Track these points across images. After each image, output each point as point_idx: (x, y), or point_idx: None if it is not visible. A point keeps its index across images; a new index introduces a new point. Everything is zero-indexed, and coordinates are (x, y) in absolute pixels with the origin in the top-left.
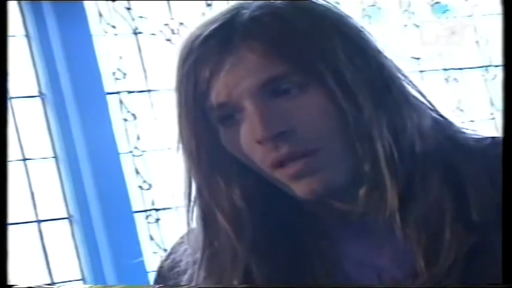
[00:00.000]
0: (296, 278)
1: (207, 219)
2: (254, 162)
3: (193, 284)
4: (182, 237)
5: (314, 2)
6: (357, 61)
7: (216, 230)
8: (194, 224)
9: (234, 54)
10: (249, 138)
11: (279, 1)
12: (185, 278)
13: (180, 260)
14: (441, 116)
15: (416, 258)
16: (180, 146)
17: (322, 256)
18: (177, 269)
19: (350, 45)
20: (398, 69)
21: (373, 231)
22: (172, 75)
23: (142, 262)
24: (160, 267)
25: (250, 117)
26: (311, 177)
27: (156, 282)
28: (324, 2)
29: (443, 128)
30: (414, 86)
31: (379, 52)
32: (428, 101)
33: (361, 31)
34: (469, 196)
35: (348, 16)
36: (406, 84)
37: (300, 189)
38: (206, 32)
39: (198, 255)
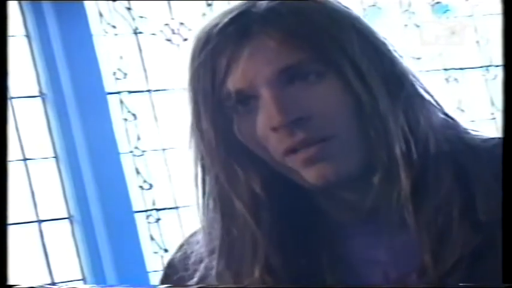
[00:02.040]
0: (306, 270)
1: (224, 207)
2: (266, 150)
3: (213, 271)
4: (194, 232)
5: (329, 1)
6: (371, 56)
7: (234, 218)
8: (208, 214)
9: (252, 41)
10: (264, 125)
11: None
12: (201, 266)
13: (193, 252)
14: (448, 115)
15: (423, 253)
16: (195, 135)
17: (331, 250)
18: (191, 259)
19: (364, 41)
20: (409, 70)
21: (381, 228)
22: (187, 65)
23: (142, 262)
24: (172, 259)
25: (266, 104)
26: (323, 162)
27: (166, 274)
28: (337, 2)
29: (450, 127)
30: (424, 87)
31: (390, 51)
32: (436, 101)
33: (372, 30)
34: (476, 195)
35: (360, 16)
36: (416, 84)
37: (312, 175)
38: (223, 21)
39: (217, 243)
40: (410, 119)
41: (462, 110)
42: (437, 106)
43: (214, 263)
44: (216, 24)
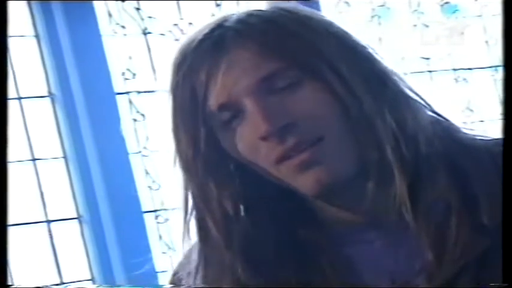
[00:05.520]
0: (300, 283)
1: (201, 229)
2: (257, 161)
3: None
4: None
5: (300, 9)
6: (349, 57)
7: (209, 239)
8: (192, 236)
9: (228, 54)
10: (252, 135)
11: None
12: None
13: (182, 278)
14: (438, 115)
15: (425, 253)
16: (177, 156)
17: (331, 259)
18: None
19: (340, 43)
20: (391, 71)
21: (382, 232)
22: (167, 83)
23: (151, 262)
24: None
25: (252, 115)
26: (317, 167)
27: None
28: (309, 10)
29: (442, 126)
30: (409, 87)
31: (368, 52)
32: (424, 100)
33: (347, 33)
34: (476, 196)
35: (333, 21)
36: (400, 84)
37: (307, 181)
38: (197, 38)
39: (193, 265)
40: (397, 117)
41: (471, 110)
42: (426, 105)
43: (191, 281)
44: (191, 42)
